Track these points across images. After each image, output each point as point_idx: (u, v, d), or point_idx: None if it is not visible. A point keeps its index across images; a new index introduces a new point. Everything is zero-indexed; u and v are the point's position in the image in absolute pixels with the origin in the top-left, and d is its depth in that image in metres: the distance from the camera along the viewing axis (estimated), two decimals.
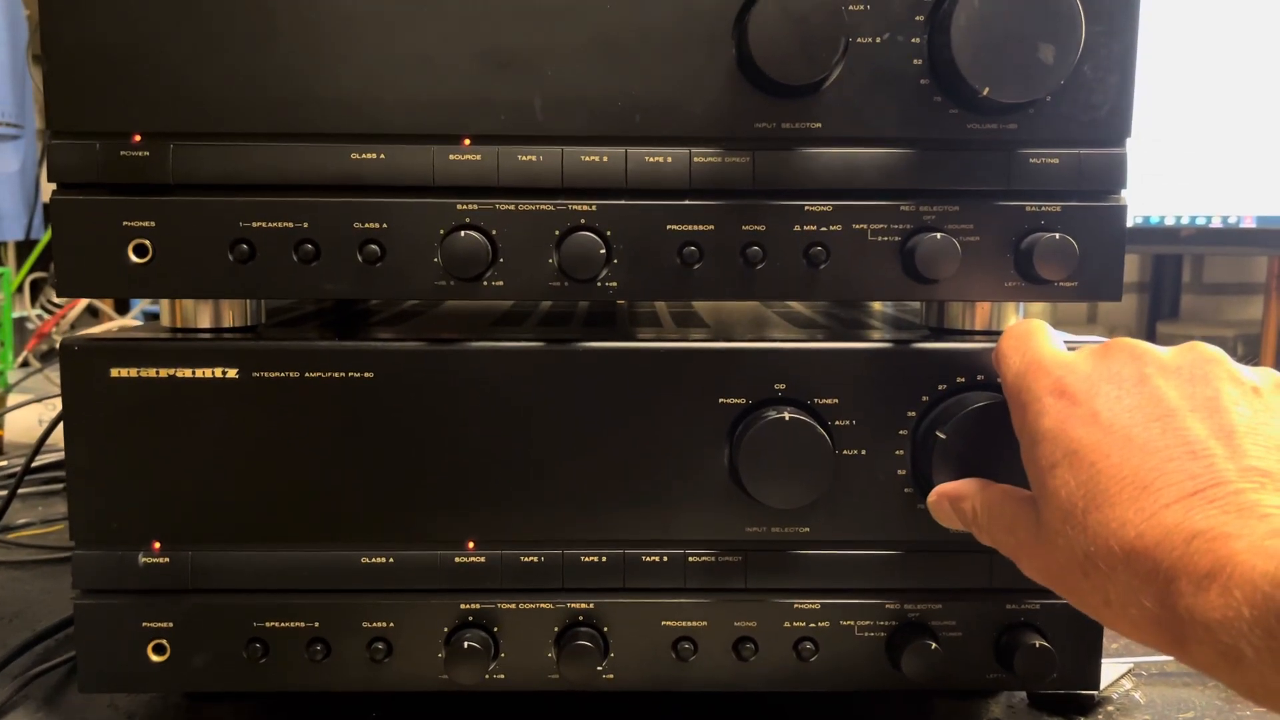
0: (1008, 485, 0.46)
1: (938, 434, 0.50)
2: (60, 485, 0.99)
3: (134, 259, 0.51)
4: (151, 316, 1.38)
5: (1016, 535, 0.44)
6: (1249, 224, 1.21)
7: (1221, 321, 1.61)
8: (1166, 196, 1.25)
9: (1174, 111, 1.20)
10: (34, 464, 0.76)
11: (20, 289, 1.44)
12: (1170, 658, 0.62)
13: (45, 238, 1.44)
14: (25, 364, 1.30)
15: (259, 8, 0.50)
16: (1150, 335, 1.58)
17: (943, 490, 0.48)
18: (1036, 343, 0.46)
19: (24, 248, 1.50)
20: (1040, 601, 0.53)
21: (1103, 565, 0.38)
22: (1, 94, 1.43)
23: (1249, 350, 1.49)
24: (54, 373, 1.19)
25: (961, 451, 0.50)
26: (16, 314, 1.37)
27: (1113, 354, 0.43)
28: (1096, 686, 0.54)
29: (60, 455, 0.91)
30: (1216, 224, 1.22)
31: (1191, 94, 1.20)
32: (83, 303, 1.36)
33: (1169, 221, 1.23)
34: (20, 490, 0.93)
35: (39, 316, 1.45)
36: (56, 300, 1.45)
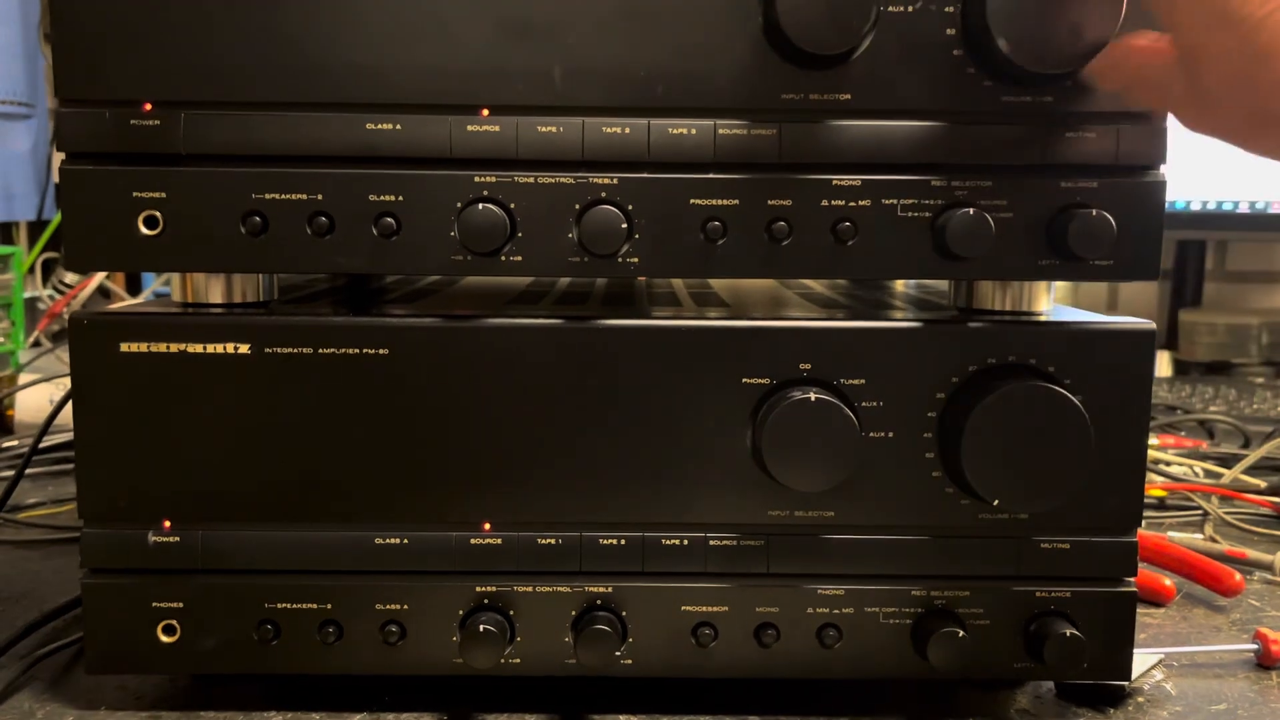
0: (1151, 46, 0.42)
1: None
2: (71, 465, 0.98)
3: (144, 231, 0.50)
4: (164, 297, 1.38)
5: (1168, 97, 0.41)
6: (1277, 210, 1.19)
7: (1246, 309, 1.59)
8: (1192, 181, 1.22)
9: None
10: (44, 443, 0.76)
11: (32, 269, 1.43)
12: (1201, 647, 0.61)
13: (57, 218, 1.43)
14: (36, 344, 1.29)
15: None
16: (1172, 323, 1.56)
17: (1092, 68, 0.45)
18: None
19: (36, 228, 1.50)
20: (1071, 589, 0.52)
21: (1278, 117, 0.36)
22: (13, 73, 1.42)
23: (1273, 339, 1.47)
24: (65, 353, 1.18)
25: None
26: (28, 294, 1.36)
27: None
28: (1128, 677, 0.53)
29: (71, 435, 0.90)
30: (1244, 209, 1.20)
31: None
32: (94, 282, 1.36)
33: (1194, 206, 1.21)
34: (31, 470, 0.93)
35: (50, 297, 1.44)
36: (68, 280, 1.45)
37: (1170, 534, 0.80)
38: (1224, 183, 1.19)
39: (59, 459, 0.99)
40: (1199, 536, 0.81)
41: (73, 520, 0.83)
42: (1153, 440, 1.06)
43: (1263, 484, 0.92)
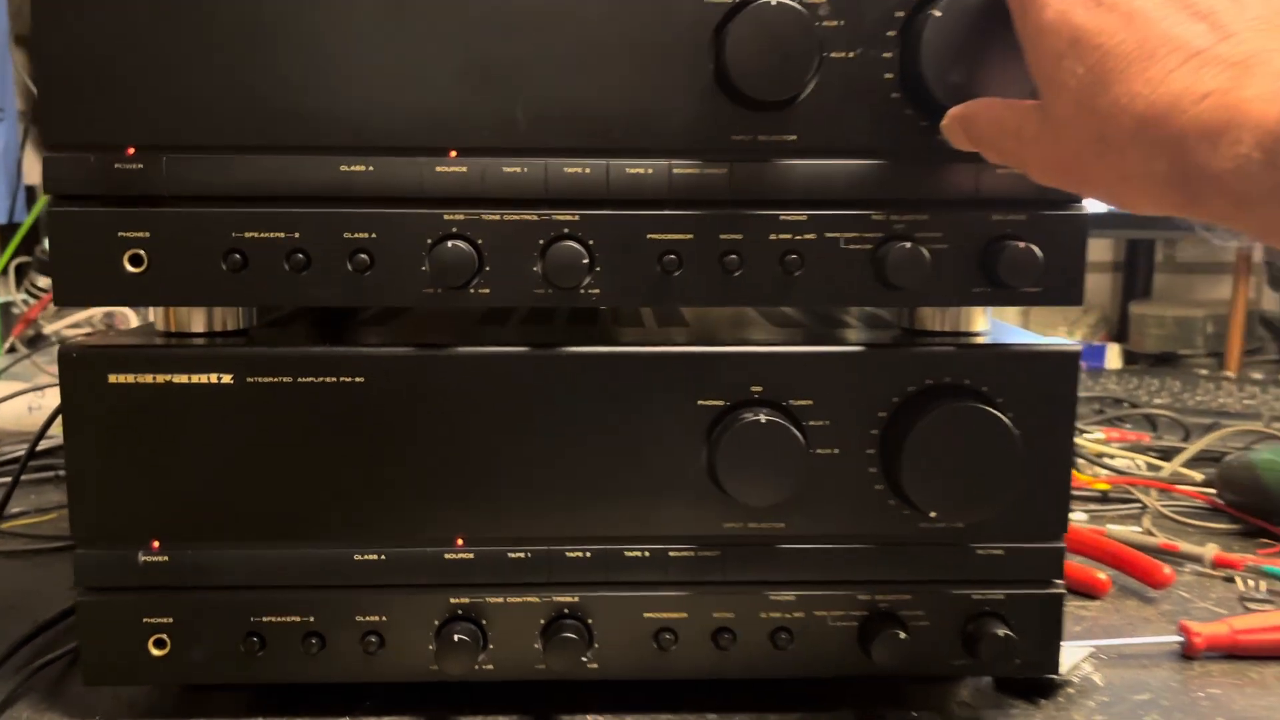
0: (1010, 100, 0.47)
1: None
2: (53, 473, 1.01)
3: (130, 269, 0.52)
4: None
5: (1022, 138, 0.44)
6: None
7: (1192, 301, 1.64)
8: None
9: None
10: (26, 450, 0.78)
11: (4, 273, 1.44)
12: (1129, 640, 0.66)
13: (29, 220, 1.44)
14: (12, 350, 1.30)
15: (250, 24, 0.51)
16: (1123, 314, 1.61)
17: (953, 113, 0.49)
18: None
19: (7, 231, 1.50)
20: (1005, 592, 0.56)
21: (1116, 142, 0.39)
22: None
23: (1218, 329, 1.52)
24: (41, 358, 1.20)
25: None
26: (1, 299, 1.38)
27: None
28: (1057, 671, 0.57)
29: (52, 443, 0.92)
30: None
31: None
32: None
33: None
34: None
35: (25, 301, 1.45)
36: (41, 285, 1.46)
37: (1110, 527, 0.84)
38: None
39: (40, 466, 1.01)
40: (1137, 529, 0.85)
41: (57, 529, 0.86)
42: (1098, 434, 1.11)
43: (1199, 476, 0.97)
